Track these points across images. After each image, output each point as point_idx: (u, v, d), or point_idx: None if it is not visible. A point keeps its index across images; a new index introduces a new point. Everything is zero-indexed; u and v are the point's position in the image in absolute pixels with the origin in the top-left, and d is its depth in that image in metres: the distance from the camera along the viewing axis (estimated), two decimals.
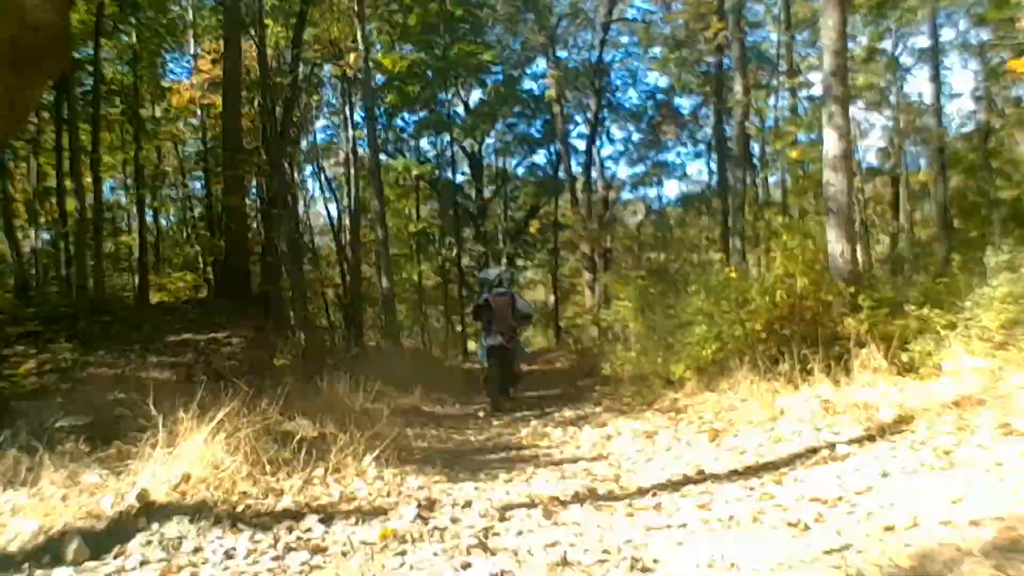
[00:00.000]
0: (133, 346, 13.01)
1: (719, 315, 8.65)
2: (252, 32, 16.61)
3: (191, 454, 4.72)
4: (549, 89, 26.37)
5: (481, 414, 10.55)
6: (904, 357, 7.28)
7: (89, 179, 14.48)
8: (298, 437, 5.57)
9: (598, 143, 28.79)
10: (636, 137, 31.62)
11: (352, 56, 21.82)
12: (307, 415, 6.64)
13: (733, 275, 9.26)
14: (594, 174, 28.38)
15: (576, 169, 28.00)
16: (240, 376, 12.39)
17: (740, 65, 17.16)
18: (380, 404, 9.45)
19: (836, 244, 8.56)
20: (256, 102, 18.57)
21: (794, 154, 14.01)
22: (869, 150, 25.96)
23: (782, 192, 19.15)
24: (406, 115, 28.87)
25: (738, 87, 16.76)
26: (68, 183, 13.31)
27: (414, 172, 27.09)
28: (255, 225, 17.74)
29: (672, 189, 59.95)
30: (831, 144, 8.69)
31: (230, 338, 13.21)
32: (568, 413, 9.37)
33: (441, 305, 30.92)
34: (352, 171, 25.01)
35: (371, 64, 22.49)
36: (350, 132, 24.80)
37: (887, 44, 20.88)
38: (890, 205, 22.92)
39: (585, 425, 7.85)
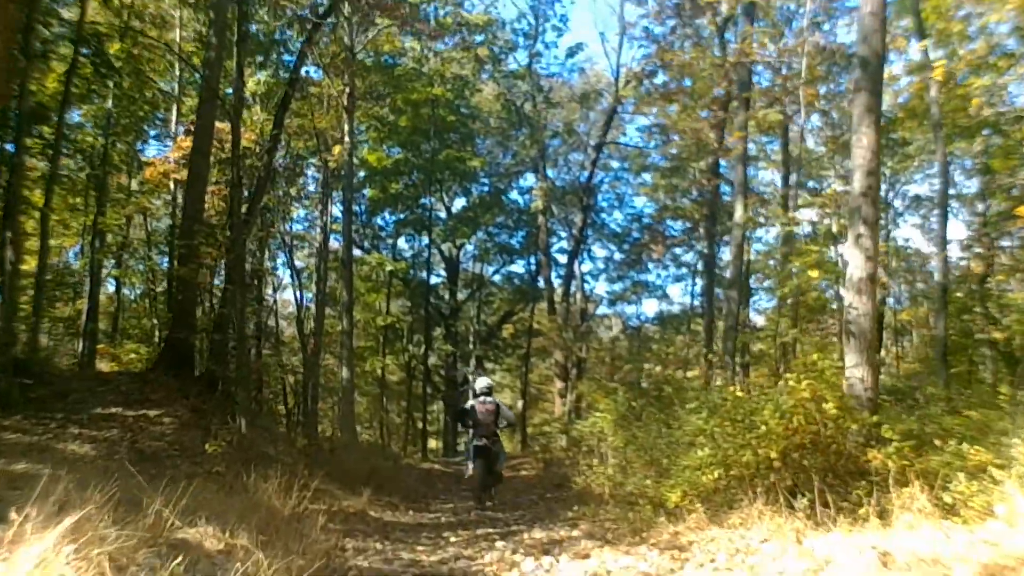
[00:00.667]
0: (55, 415, 11.47)
1: (723, 437, 7.36)
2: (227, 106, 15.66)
3: (24, 566, 3.28)
4: (536, 201, 25.62)
5: (442, 519, 9.16)
6: (947, 498, 6.02)
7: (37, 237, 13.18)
8: (192, 553, 4.12)
9: (580, 258, 27.93)
10: (618, 256, 31.06)
11: (337, 149, 20.94)
12: (218, 519, 5.16)
13: (739, 395, 7.99)
14: (573, 287, 27.37)
15: (556, 281, 27.10)
16: (166, 459, 10.83)
17: (743, 189, 16.36)
18: (319, 505, 7.98)
19: (855, 369, 7.66)
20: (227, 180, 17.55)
21: (814, 273, 13.03)
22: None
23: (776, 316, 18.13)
24: (387, 214, 28.08)
25: (739, 211, 15.87)
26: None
27: (388, 268, 25.96)
28: (210, 303, 16.32)
29: (650, 308, 59.60)
30: (856, 266, 7.88)
31: (162, 417, 11.65)
32: (539, 534, 7.87)
33: (404, 400, 29.35)
34: (323, 262, 24.02)
35: (355, 159, 21.67)
36: (327, 220, 23.75)
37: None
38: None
39: (562, 554, 6.36)
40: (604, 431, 12.72)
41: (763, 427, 6.92)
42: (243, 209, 15.39)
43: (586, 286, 29.23)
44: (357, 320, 27.41)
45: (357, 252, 27.73)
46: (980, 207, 19.80)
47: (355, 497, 9.81)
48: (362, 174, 25.52)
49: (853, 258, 7.95)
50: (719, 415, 7.75)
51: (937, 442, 6.67)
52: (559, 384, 24.68)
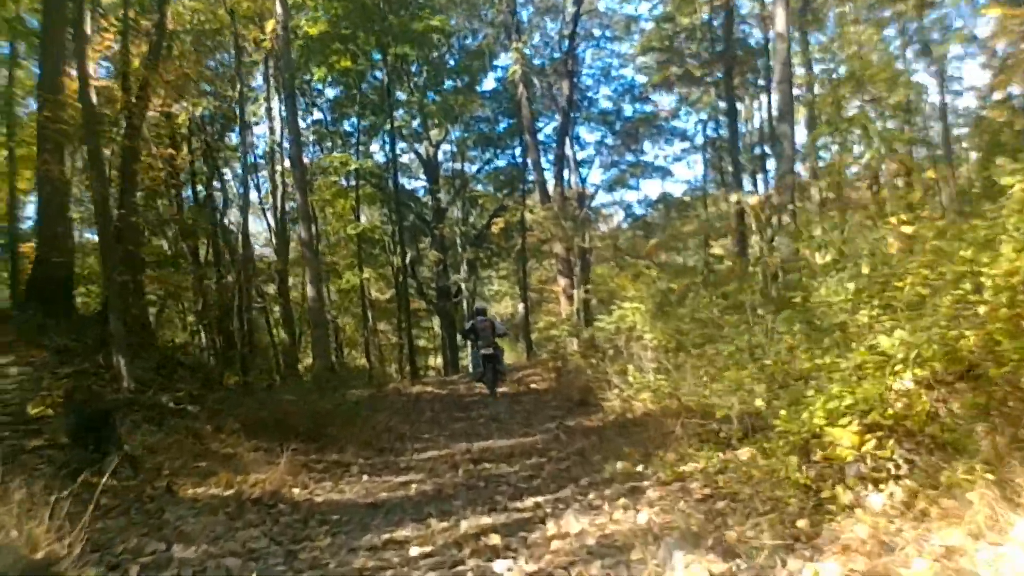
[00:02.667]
0: None
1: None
2: None
3: None
4: (513, 68, 21.18)
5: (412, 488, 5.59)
6: None
7: None
8: None
9: (572, 133, 23.60)
10: (610, 141, 26.82)
11: (270, 24, 16.67)
12: None
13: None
14: (566, 172, 23.20)
15: (546, 168, 22.91)
16: None
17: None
18: (198, 488, 4.27)
19: None
20: None
21: None
22: None
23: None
24: (354, 118, 23.65)
25: (780, 18, 11.62)
26: None
27: (351, 167, 21.78)
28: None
29: (652, 190, 55.43)
30: None
31: (8, 367, 7.84)
32: (577, 523, 4.13)
33: (395, 319, 25.61)
34: (271, 165, 19.95)
35: (290, 32, 17.34)
36: (275, 120, 19.72)
37: None
38: None
39: None
40: (637, 327, 8.94)
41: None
42: None
43: (581, 171, 25.09)
44: (327, 231, 23.47)
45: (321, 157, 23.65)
46: None
47: (276, 461, 6.06)
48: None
49: None
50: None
51: None
52: (563, 282, 20.83)
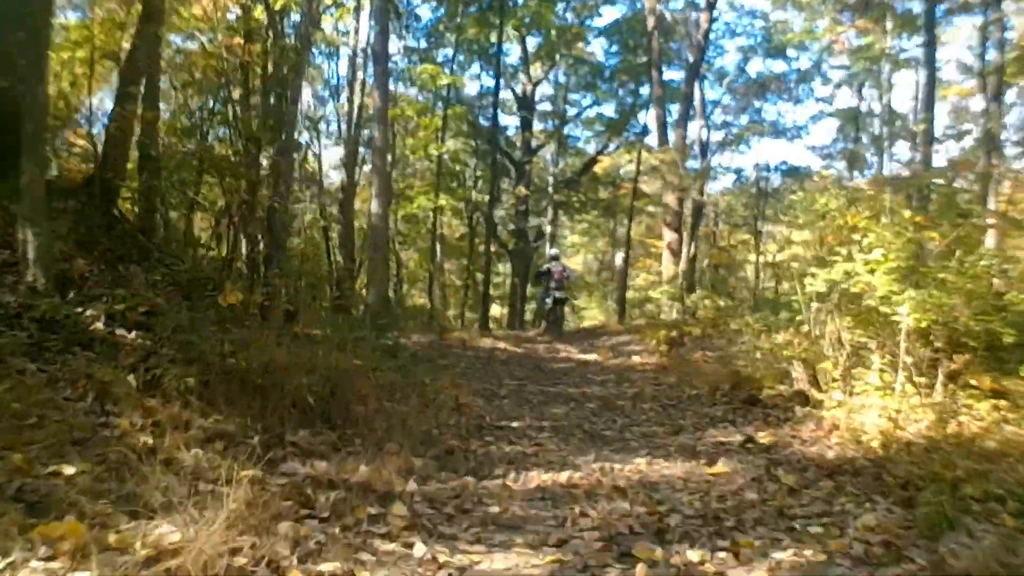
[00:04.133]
0: None
1: None
2: None
3: None
4: None
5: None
6: None
7: None
8: None
9: (707, 60, 19.56)
10: (727, 99, 22.70)
11: None
12: None
13: None
14: (692, 113, 19.21)
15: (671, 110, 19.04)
16: None
17: None
18: None
19: None
20: None
21: None
22: None
23: None
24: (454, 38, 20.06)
25: None
26: None
27: (442, 82, 18.26)
28: None
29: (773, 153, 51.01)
30: None
31: None
32: None
33: (464, 258, 22.19)
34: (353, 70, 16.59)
35: None
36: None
37: None
38: None
39: None
40: (878, 291, 5.35)
41: None
42: None
43: (708, 116, 20.97)
44: (405, 154, 20.08)
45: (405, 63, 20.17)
46: None
47: (239, 479, 2.67)
48: None
49: None
50: None
51: None
52: (670, 236, 17.11)
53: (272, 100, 9.49)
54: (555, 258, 15.17)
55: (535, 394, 7.49)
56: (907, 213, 5.70)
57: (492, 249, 24.97)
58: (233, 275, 7.91)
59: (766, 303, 17.48)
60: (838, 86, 21.21)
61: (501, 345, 12.47)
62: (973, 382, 5.09)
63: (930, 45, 11.76)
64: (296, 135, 16.17)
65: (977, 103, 16.84)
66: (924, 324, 5.23)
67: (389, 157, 18.34)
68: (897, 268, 5.40)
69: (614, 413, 6.53)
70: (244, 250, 8.61)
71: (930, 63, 10.29)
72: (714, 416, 6.24)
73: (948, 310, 5.24)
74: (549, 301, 14.61)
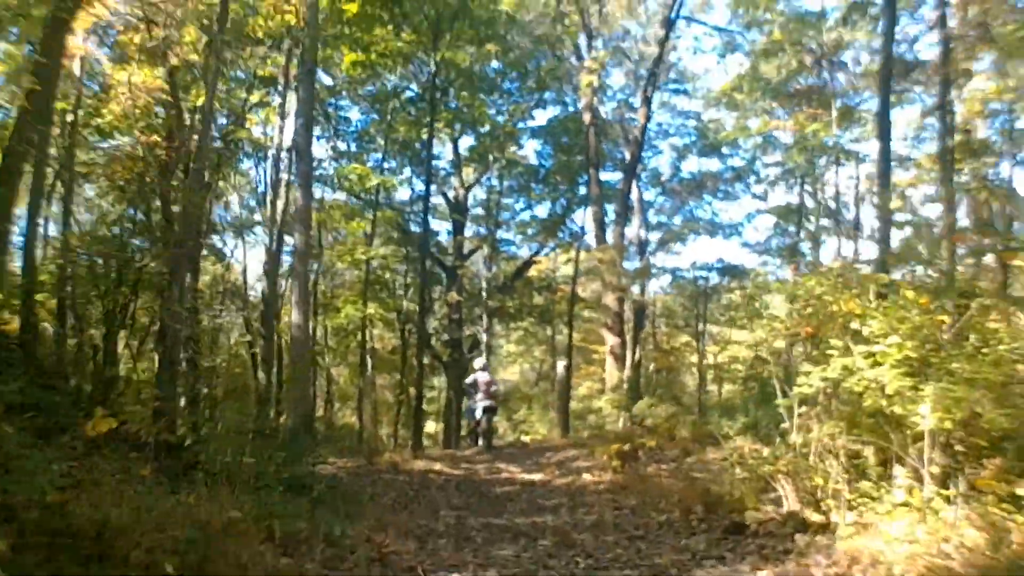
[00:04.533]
0: None
1: None
2: None
3: None
4: (588, 78, 16.84)
5: None
6: None
7: None
8: None
9: (643, 160, 19.22)
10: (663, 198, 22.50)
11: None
12: None
13: None
14: (630, 210, 18.77)
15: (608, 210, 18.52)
16: None
17: None
18: None
19: None
20: None
21: None
22: None
23: None
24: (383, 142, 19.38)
25: None
26: None
27: (372, 182, 17.46)
28: None
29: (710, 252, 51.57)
30: None
31: None
32: None
33: (398, 373, 20.79)
34: (276, 166, 15.57)
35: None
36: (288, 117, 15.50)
37: None
38: None
39: None
40: (887, 387, 4.41)
41: None
42: None
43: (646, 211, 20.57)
44: (327, 259, 18.99)
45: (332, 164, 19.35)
46: None
47: None
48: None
49: None
50: None
51: None
52: (612, 340, 16.23)
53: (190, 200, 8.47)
54: (483, 369, 14.73)
55: (478, 529, 6.23)
56: (910, 293, 4.85)
57: (425, 361, 23.72)
58: (114, 398, 6.60)
59: (715, 408, 16.63)
60: (772, 183, 21.13)
61: (437, 467, 11.15)
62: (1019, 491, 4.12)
63: (884, 115, 11.20)
64: (210, 239, 15.13)
65: (919, 193, 16.74)
66: (947, 424, 4.28)
67: (315, 265, 17.35)
68: (905, 359, 4.48)
69: (574, 552, 5.32)
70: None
71: (884, 137, 9.80)
72: (696, 551, 5.09)
73: (968, 405, 4.32)
74: (478, 412, 14.15)
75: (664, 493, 7.31)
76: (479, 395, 14.13)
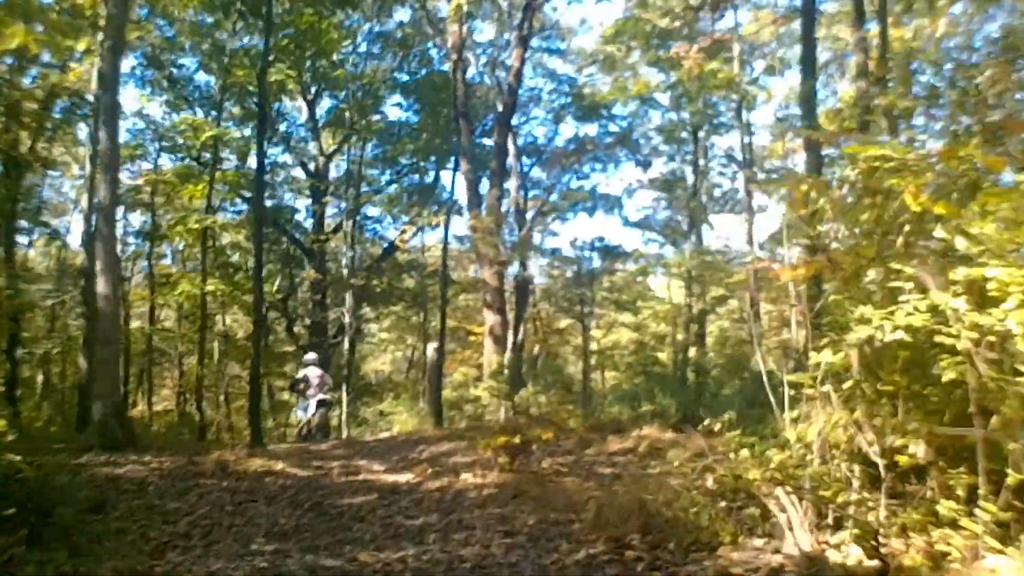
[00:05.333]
0: None
1: None
2: None
3: None
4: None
5: None
6: None
7: None
8: None
9: (519, 110, 17.21)
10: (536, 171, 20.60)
11: None
12: None
13: None
14: (507, 174, 16.72)
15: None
16: None
17: None
18: None
19: None
20: None
21: None
22: None
23: None
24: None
25: None
26: None
27: (207, 134, 14.67)
28: None
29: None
30: None
31: None
32: None
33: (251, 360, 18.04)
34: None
35: None
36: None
37: None
38: None
39: None
40: None
41: None
42: None
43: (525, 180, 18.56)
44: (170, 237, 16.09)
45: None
46: None
47: None
48: None
49: None
50: None
51: None
52: (491, 319, 14.26)
53: None
54: (312, 363, 13.86)
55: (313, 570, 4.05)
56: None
57: (290, 349, 21.08)
58: None
59: (607, 394, 14.98)
60: (655, 148, 19.75)
61: (279, 466, 8.77)
62: None
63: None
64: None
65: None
66: None
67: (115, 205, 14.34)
68: None
69: None
70: None
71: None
72: None
73: None
74: (310, 409, 13.30)
75: (572, 503, 5.39)
76: (311, 391, 13.32)
